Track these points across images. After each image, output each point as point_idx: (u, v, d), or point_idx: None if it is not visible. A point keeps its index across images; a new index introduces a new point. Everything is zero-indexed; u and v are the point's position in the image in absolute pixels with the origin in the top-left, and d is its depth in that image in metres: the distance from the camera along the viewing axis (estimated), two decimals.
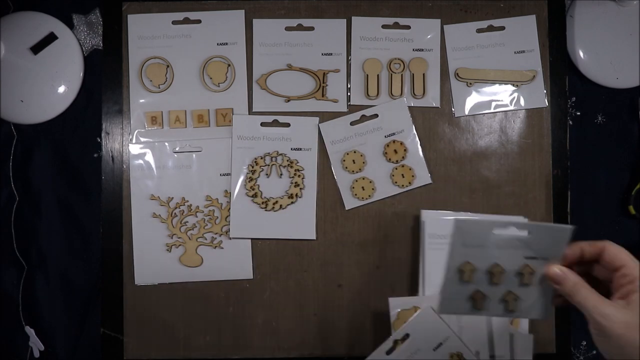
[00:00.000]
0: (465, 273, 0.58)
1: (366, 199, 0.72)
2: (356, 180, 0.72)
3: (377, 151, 0.73)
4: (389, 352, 0.67)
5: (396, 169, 0.72)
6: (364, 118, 0.73)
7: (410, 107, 0.73)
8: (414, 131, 0.73)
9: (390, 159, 0.72)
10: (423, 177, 0.72)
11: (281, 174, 0.72)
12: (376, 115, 0.73)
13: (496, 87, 0.73)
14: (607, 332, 0.51)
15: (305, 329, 0.72)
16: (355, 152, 0.72)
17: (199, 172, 0.72)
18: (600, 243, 0.54)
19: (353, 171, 0.72)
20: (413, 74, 0.73)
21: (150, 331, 0.72)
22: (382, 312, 0.72)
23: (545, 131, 0.73)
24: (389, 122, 0.73)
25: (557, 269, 0.55)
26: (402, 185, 0.72)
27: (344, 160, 0.72)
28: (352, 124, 0.73)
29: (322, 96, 0.73)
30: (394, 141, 0.72)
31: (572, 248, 0.54)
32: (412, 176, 0.72)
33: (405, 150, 0.72)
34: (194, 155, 0.73)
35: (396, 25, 0.74)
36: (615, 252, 0.54)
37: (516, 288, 0.58)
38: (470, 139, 0.73)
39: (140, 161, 0.72)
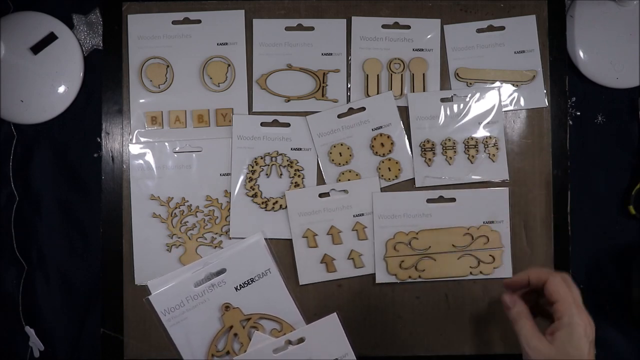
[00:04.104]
0: (309, 239, 0.69)
1: None
2: (342, 173, 0.72)
3: (364, 144, 0.73)
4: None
5: (383, 162, 0.72)
6: (351, 111, 0.73)
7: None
8: (401, 125, 0.73)
9: (376, 152, 0.72)
10: (409, 171, 0.72)
11: (281, 174, 0.72)
12: (363, 109, 0.73)
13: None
14: None
15: None
16: (342, 144, 0.72)
17: (199, 172, 0.72)
18: (545, 274, 0.57)
19: (340, 164, 0.72)
20: (413, 74, 0.73)
21: (150, 331, 0.72)
22: (382, 312, 0.72)
23: (545, 131, 0.73)
24: (376, 115, 0.73)
25: (507, 297, 0.60)
26: (389, 179, 0.72)
27: (331, 153, 0.72)
28: (339, 116, 0.73)
29: (322, 96, 0.73)
30: (380, 134, 0.72)
31: (520, 275, 0.59)
32: (399, 170, 0.72)
33: (392, 143, 0.72)
34: (194, 155, 0.73)
35: (396, 25, 0.74)
36: (554, 287, 0.57)
37: (357, 244, 0.69)
38: None
39: (140, 161, 0.72)
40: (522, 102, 0.73)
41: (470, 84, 0.73)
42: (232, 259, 0.70)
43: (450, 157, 0.72)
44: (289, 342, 0.69)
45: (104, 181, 0.73)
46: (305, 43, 0.73)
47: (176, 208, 0.72)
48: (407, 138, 0.73)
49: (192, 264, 0.71)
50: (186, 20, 0.73)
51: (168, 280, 0.71)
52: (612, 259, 0.75)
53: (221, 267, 0.70)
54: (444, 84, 0.73)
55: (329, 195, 0.72)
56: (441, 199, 0.72)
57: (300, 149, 0.73)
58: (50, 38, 0.74)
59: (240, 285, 0.70)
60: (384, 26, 0.74)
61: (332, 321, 0.69)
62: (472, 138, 0.73)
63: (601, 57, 0.74)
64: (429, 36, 0.73)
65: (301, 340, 0.69)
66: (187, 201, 0.72)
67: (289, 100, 0.73)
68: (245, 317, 0.70)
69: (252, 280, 0.70)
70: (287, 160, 0.73)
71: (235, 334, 0.70)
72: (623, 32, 0.74)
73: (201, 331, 0.70)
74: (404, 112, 0.73)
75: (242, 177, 0.72)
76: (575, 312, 0.55)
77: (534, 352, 0.56)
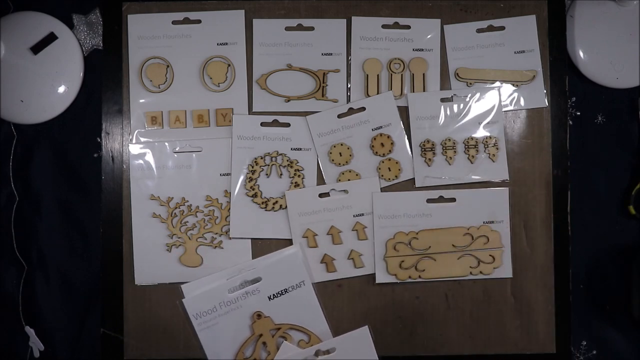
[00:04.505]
0: (309, 239, 0.70)
1: None
2: (342, 173, 0.72)
3: (364, 144, 0.73)
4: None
5: (383, 162, 0.72)
6: (351, 111, 0.73)
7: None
8: (401, 125, 0.73)
9: (376, 152, 0.72)
10: (409, 171, 0.72)
11: (281, 174, 0.72)
12: (363, 109, 0.73)
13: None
14: None
15: None
16: (342, 144, 0.72)
17: (199, 172, 0.72)
18: None
19: (340, 164, 0.72)
20: (413, 74, 0.73)
21: (150, 331, 0.72)
22: (382, 312, 0.72)
23: (545, 131, 0.73)
24: (376, 115, 0.73)
25: None
26: (389, 179, 0.72)
27: (331, 153, 0.72)
28: (339, 116, 0.73)
29: (322, 96, 0.73)
30: (380, 134, 0.72)
31: None
32: (399, 170, 0.72)
33: (392, 143, 0.72)
34: (194, 155, 0.73)
35: (396, 25, 0.74)
36: None
37: (357, 244, 0.70)
38: None
39: (140, 161, 0.72)
40: (522, 102, 0.73)
41: (470, 84, 0.73)
42: (268, 268, 0.70)
43: (450, 157, 0.72)
44: (319, 352, 0.69)
45: (104, 181, 0.73)
46: (305, 43, 0.73)
47: (176, 208, 0.72)
48: (407, 138, 0.73)
49: (227, 271, 0.71)
50: (186, 20, 0.73)
51: (202, 284, 0.71)
52: (612, 259, 0.75)
53: (257, 276, 0.70)
54: (444, 84, 0.73)
55: (329, 195, 0.72)
56: (441, 199, 0.72)
57: (300, 149, 0.73)
58: (50, 38, 0.74)
59: (273, 295, 0.70)
60: (384, 26, 0.74)
61: (362, 334, 0.70)
62: (472, 138, 0.73)
63: (601, 57, 0.74)
64: (429, 36, 0.73)
65: (329, 351, 0.69)
66: (187, 201, 0.72)
67: (289, 100, 0.73)
68: (275, 327, 0.70)
69: (286, 291, 0.70)
70: (287, 160, 0.73)
71: (264, 343, 0.70)
72: (623, 32, 0.74)
73: (230, 337, 0.70)
74: (404, 112, 0.73)
75: (242, 177, 0.72)
76: None
77: None
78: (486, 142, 0.72)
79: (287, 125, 0.73)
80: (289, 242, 0.72)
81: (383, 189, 0.72)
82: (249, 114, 0.73)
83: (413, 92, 0.73)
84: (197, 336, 0.70)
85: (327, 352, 0.69)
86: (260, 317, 0.70)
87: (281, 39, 0.73)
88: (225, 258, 0.72)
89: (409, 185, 0.73)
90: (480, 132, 0.73)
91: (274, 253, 0.72)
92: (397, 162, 0.72)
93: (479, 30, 0.74)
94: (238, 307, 0.70)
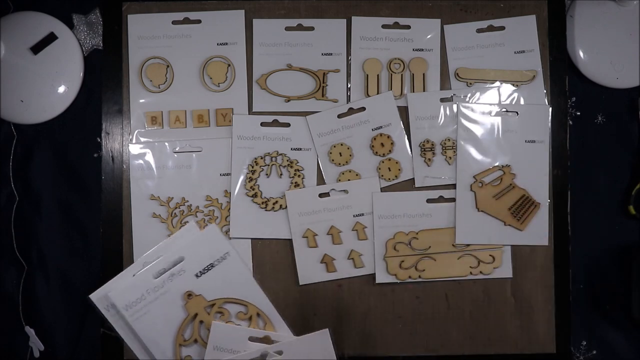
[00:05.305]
0: (309, 239, 0.69)
1: None
2: (342, 173, 0.72)
3: (364, 144, 0.73)
4: None
5: (383, 162, 0.72)
6: (351, 111, 0.73)
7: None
8: (401, 125, 0.73)
9: (377, 152, 0.72)
10: (409, 171, 0.72)
11: (281, 174, 0.72)
12: (363, 109, 0.73)
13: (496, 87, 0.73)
14: None
15: (305, 329, 0.72)
16: (342, 144, 0.72)
17: (199, 172, 0.72)
18: None
19: (340, 164, 0.72)
20: (413, 74, 0.73)
21: None
22: (382, 312, 0.72)
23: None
24: (376, 115, 0.73)
25: None
26: (389, 179, 0.72)
27: (331, 153, 0.72)
28: (339, 116, 0.73)
29: (322, 96, 0.73)
30: (380, 134, 0.72)
31: None
32: (399, 170, 0.72)
33: (392, 143, 0.72)
34: (194, 155, 0.73)
35: (396, 25, 0.74)
36: None
37: (357, 245, 0.70)
38: None
39: (140, 161, 0.72)
40: (522, 102, 0.73)
41: (470, 84, 0.73)
42: (189, 246, 0.70)
43: (450, 157, 0.72)
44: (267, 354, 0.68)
45: (104, 181, 0.73)
46: (305, 43, 0.73)
47: (176, 208, 0.72)
48: (407, 138, 0.73)
49: (146, 255, 0.71)
50: (186, 20, 0.73)
51: (125, 274, 0.70)
52: (612, 259, 0.75)
53: (179, 256, 0.70)
54: (444, 84, 0.73)
55: (329, 195, 0.72)
56: (441, 199, 0.72)
57: (300, 149, 0.73)
58: (50, 38, 0.74)
59: (200, 271, 0.69)
60: (384, 26, 0.74)
61: (323, 337, 0.69)
62: None
63: (601, 57, 0.74)
64: (429, 36, 0.73)
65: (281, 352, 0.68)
66: (187, 201, 0.72)
67: (289, 100, 0.73)
68: (210, 303, 0.69)
69: (212, 265, 0.69)
70: (287, 160, 0.73)
71: (201, 321, 0.69)
72: (623, 32, 0.74)
73: (166, 322, 0.69)
74: (404, 112, 0.73)
75: (242, 177, 0.72)
76: None
77: None
78: None
79: (287, 125, 0.73)
80: (289, 242, 0.72)
81: (383, 189, 0.72)
82: (249, 114, 0.73)
83: (413, 92, 0.73)
84: (131, 328, 0.69)
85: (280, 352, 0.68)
86: (192, 296, 0.69)
87: (281, 39, 0.73)
88: None
89: (409, 185, 0.73)
90: None
91: (191, 229, 0.71)
92: (397, 162, 0.72)
93: (479, 30, 0.74)
94: (167, 291, 0.69)
